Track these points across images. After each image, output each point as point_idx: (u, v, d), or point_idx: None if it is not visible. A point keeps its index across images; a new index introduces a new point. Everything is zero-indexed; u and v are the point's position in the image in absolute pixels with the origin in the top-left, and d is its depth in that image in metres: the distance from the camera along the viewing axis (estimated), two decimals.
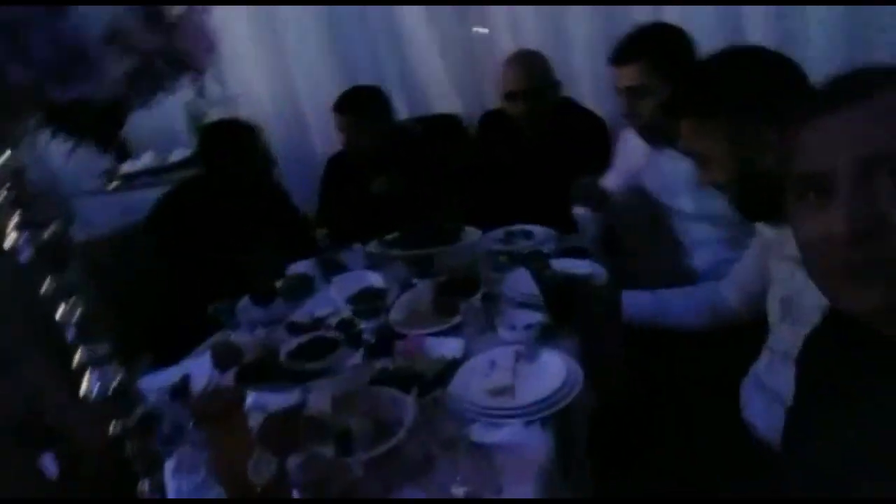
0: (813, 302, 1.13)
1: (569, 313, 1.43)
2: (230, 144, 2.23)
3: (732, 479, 1.10)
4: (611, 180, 2.09)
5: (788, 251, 1.20)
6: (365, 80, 2.56)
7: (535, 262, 1.50)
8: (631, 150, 2.01)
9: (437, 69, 2.78)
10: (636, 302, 1.48)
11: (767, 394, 1.20)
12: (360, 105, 2.36)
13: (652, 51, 1.72)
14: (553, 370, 1.24)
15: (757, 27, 2.22)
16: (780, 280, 1.25)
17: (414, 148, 2.46)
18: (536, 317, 1.47)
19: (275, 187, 2.48)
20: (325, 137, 2.92)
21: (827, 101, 0.68)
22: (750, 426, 1.21)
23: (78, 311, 0.71)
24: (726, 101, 1.13)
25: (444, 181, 2.42)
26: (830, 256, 0.67)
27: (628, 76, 1.76)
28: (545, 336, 1.42)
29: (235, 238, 2.17)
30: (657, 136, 1.82)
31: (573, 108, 2.33)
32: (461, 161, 2.52)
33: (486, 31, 2.73)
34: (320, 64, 2.90)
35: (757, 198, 1.16)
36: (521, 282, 1.68)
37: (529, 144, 2.29)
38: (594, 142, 2.25)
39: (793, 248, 1.17)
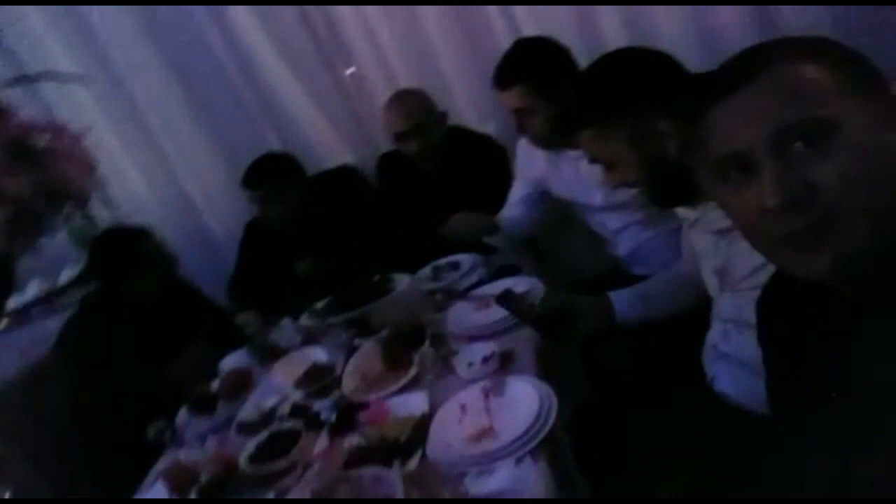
0: (744, 269, 1.18)
1: (567, 334, 1.42)
2: (122, 253, 2.10)
3: (721, 455, 1.11)
4: (517, 190, 2.12)
5: (708, 226, 1.25)
6: (249, 154, 2.47)
7: (508, 300, 1.46)
8: (531, 156, 2.04)
9: (319, 125, 2.73)
10: (623, 303, 1.47)
11: (730, 362, 1.23)
12: (270, 175, 2.34)
13: (530, 73, 1.76)
14: (526, 397, 1.22)
15: (613, 29, 2.31)
16: (707, 253, 1.30)
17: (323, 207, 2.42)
18: (491, 346, 1.45)
19: (182, 285, 2.35)
20: (222, 221, 2.84)
21: (727, 83, 0.70)
22: (722, 396, 1.23)
23: None
24: (617, 104, 1.17)
25: (357, 234, 2.37)
26: (770, 230, 0.68)
27: (512, 99, 1.80)
28: (506, 364, 1.40)
29: (154, 347, 2.03)
30: (551, 144, 1.87)
31: (464, 135, 2.35)
32: (367, 209, 2.48)
33: (353, 69, 2.72)
34: (201, 153, 2.79)
35: (669, 188, 1.20)
36: (464, 315, 1.66)
37: (429, 178, 2.29)
38: (490, 164, 2.28)
39: (712, 223, 1.24)
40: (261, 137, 2.72)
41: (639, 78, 1.19)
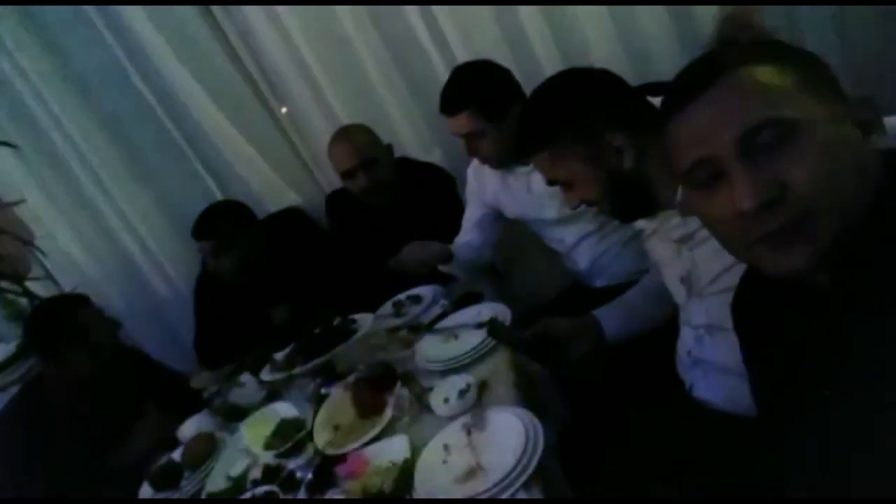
0: (709, 274, 1.19)
1: (559, 359, 1.42)
2: (57, 324, 1.98)
3: (710, 460, 1.10)
4: (470, 216, 2.11)
5: (668, 235, 1.26)
6: (190, 206, 2.38)
7: (497, 330, 1.46)
8: (481, 180, 2.04)
9: (260, 168, 2.65)
10: (611, 320, 1.46)
11: (707, 367, 1.23)
12: (221, 224, 2.26)
13: (477, 97, 1.76)
14: (510, 429, 1.18)
15: (540, 44, 2.34)
16: (669, 262, 1.30)
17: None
18: (465, 378, 1.40)
19: (128, 351, 2.23)
20: (168, 278, 2.73)
21: (687, 91, 0.70)
22: (703, 403, 1.23)
23: None
24: (569, 124, 1.17)
25: (312, 276, 2.31)
26: (746, 232, 0.69)
27: (461, 124, 1.79)
28: (484, 395, 1.36)
29: (105, 423, 1.91)
30: (502, 163, 1.87)
31: (411, 166, 2.33)
32: (319, 250, 2.42)
33: (287, 108, 2.67)
34: (140, 210, 2.69)
35: (630, 201, 1.21)
36: (432, 349, 1.62)
37: (380, 214, 2.25)
38: (440, 193, 2.26)
39: (671, 231, 1.24)
40: (200, 187, 2.63)
41: (587, 96, 1.19)
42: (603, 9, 2.21)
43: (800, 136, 0.64)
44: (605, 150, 1.15)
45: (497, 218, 2.08)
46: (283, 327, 2.16)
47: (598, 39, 2.24)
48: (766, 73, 0.66)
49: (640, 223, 1.35)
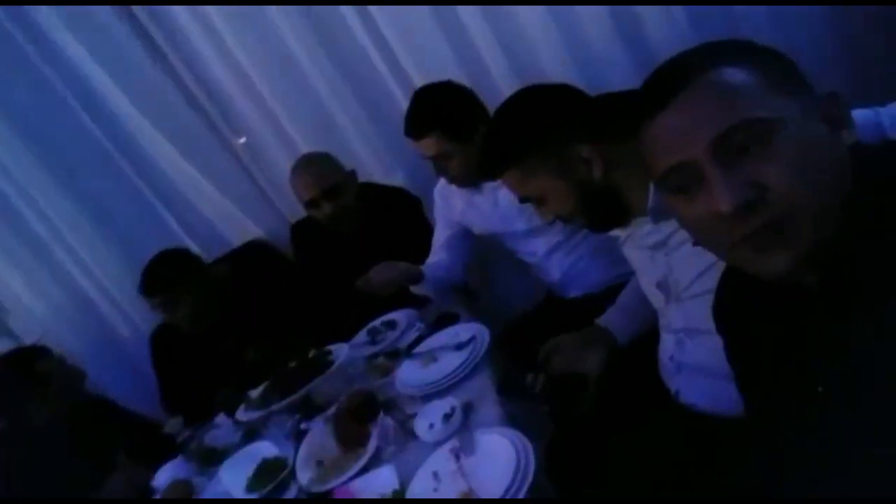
0: (686, 278, 1.19)
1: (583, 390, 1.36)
2: (18, 378, 1.89)
3: (703, 463, 1.10)
4: (439, 235, 2.10)
5: (641, 241, 1.27)
6: (151, 246, 2.30)
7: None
8: (448, 199, 2.04)
9: (219, 203, 2.60)
10: (618, 325, 1.44)
11: (691, 371, 1.23)
12: (167, 278, 2.12)
13: (442, 119, 1.76)
14: (499, 450, 1.16)
15: (490, 59, 2.34)
16: (645, 268, 1.31)
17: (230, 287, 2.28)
18: (449, 402, 1.38)
19: (94, 400, 2.14)
20: (133, 322, 2.65)
21: (659, 97, 0.71)
22: (690, 408, 1.23)
23: None
24: (537, 139, 1.17)
25: (282, 310, 2.26)
26: (727, 234, 0.69)
27: (428, 147, 1.80)
28: (469, 417, 1.35)
29: (76, 477, 1.82)
30: (470, 182, 1.88)
31: (376, 191, 2.31)
32: (287, 282, 2.37)
33: (244, 139, 2.63)
34: (98, 254, 2.60)
35: (603, 212, 1.22)
36: (413, 374, 1.59)
37: (348, 241, 2.22)
38: (407, 216, 2.24)
39: (644, 238, 1.25)
40: (158, 225, 2.56)
41: (551, 111, 1.20)
42: (549, 20, 2.21)
43: (774, 137, 0.65)
44: (573, 163, 1.16)
45: (466, 236, 2.08)
46: (256, 365, 2.09)
47: (547, 50, 2.25)
48: (736, 75, 0.67)
49: (615, 231, 1.36)
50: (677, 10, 2.14)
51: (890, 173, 0.67)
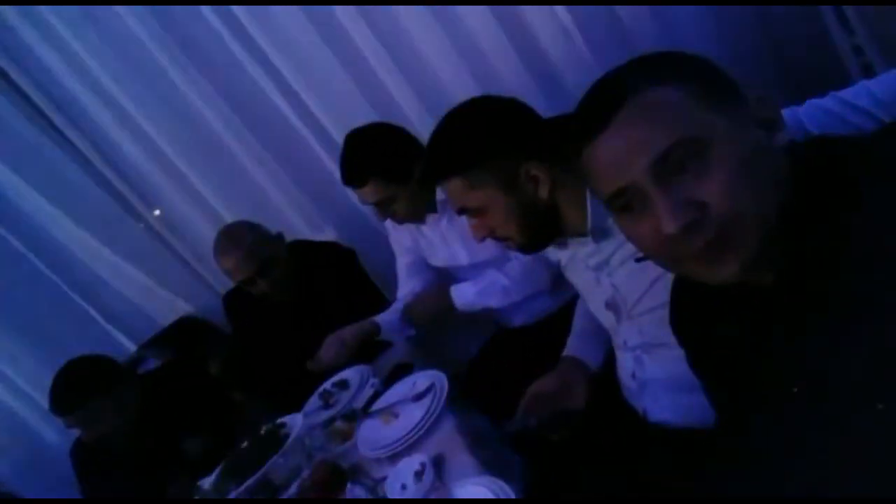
0: (634, 295, 1.20)
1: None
2: None
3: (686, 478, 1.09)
4: (401, 266, 2.06)
5: (584, 262, 1.27)
6: (66, 341, 2.14)
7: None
8: (398, 230, 2.01)
9: (141, 283, 2.46)
10: (590, 353, 1.41)
11: (655, 387, 1.23)
12: (80, 394, 1.85)
13: (378, 164, 1.72)
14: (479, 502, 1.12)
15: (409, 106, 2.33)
16: (590, 290, 1.32)
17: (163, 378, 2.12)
18: (418, 458, 1.32)
19: None
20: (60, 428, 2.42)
21: (595, 121, 0.71)
22: (661, 425, 1.23)
23: None
24: (484, 147, 1.14)
25: (219, 388, 2.14)
26: (674, 252, 0.70)
27: (369, 195, 1.76)
28: (442, 471, 1.29)
29: None
30: (416, 218, 1.86)
31: (307, 249, 2.22)
32: (225, 357, 2.25)
33: (159, 211, 2.51)
34: (13, 358, 2.40)
35: (541, 233, 1.21)
36: (375, 435, 1.52)
37: (286, 303, 2.13)
38: (342, 270, 2.17)
39: (587, 259, 1.26)
40: (81, 321, 2.40)
41: (506, 122, 1.17)
42: (450, 46, 2.21)
43: (709, 153, 0.66)
44: (520, 180, 1.14)
45: (425, 262, 2.05)
46: (201, 454, 1.94)
47: (453, 82, 2.25)
48: (669, 93, 0.68)
49: (555, 254, 1.36)
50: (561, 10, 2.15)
51: (822, 165, 0.70)
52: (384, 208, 1.80)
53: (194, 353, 2.31)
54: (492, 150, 1.14)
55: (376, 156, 1.74)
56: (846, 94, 0.94)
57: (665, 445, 1.19)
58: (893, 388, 0.60)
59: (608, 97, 0.71)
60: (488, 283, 1.80)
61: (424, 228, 1.91)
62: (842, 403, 0.65)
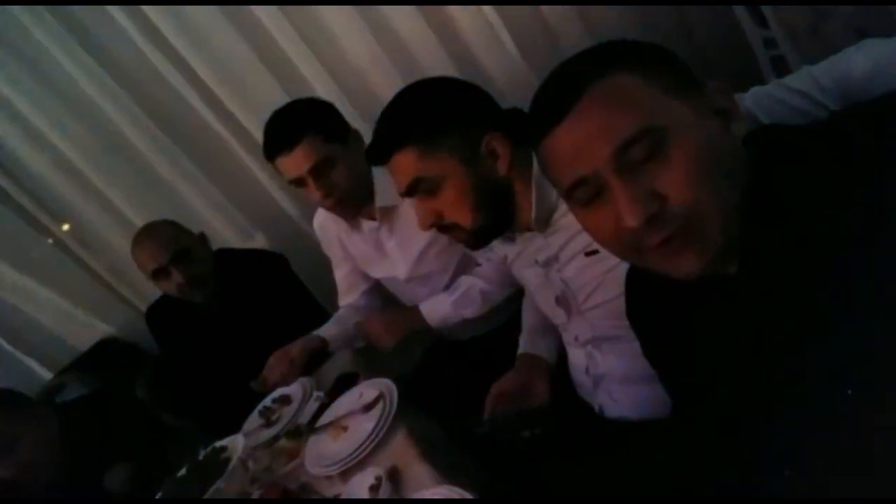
0: (584, 290, 1.19)
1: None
2: None
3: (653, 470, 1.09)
4: (339, 276, 1.94)
5: (531, 258, 1.26)
6: None
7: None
8: (329, 236, 1.89)
9: (56, 306, 2.28)
10: (543, 348, 1.38)
11: (609, 381, 1.23)
12: None
13: (312, 123, 1.54)
14: None
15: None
16: (539, 286, 1.30)
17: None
18: (372, 472, 1.27)
19: None
20: None
21: (552, 114, 0.69)
22: (619, 420, 1.23)
23: None
24: (444, 116, 1.10)
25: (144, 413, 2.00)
26: (634, 245, 0.69)
27: (300, 159, 1.52)
28: (399, 483, 1.24)
29: None
30: (354, 205, 1.68)
31: (234, 256, 2.12)
32: (151, 379, 2.11)
33: (68, 226, 2.33)
34: None
35: (495, 214, 1.15)
36: (323, 451, 1.45)
37: (213, 313, 2.01)
38: (273, 277, 2.08)
39: (536, 254, 1.24)
40: None
41: (463, 92, 1.13)
42: (377, 46, 2.16)
43: (670, 143, 0.65)
44: (482, 152, 1.09)
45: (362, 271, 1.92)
46: (129, 487, 1.81)
47: (382, 83, 2.20)
48: (628, 82, 0.67)
49: (502, 249, 1.34)
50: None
51: (776, 154, 0.70)
52: (321, 176, 1.56)
53: (118, 377, 2.15)
54: (454, 117, 1.09)
55: (309, 114, 1.58)
56: (790, 80, 0.96)
57: (623, 440, 1.19)
58: (863, 373, 0.61)
59: (567, 86, 0.69)
60: (464, 290, 1.65)
61: (356, 236, 1.79)
62: (810, 390, 0.66)
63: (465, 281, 1.67)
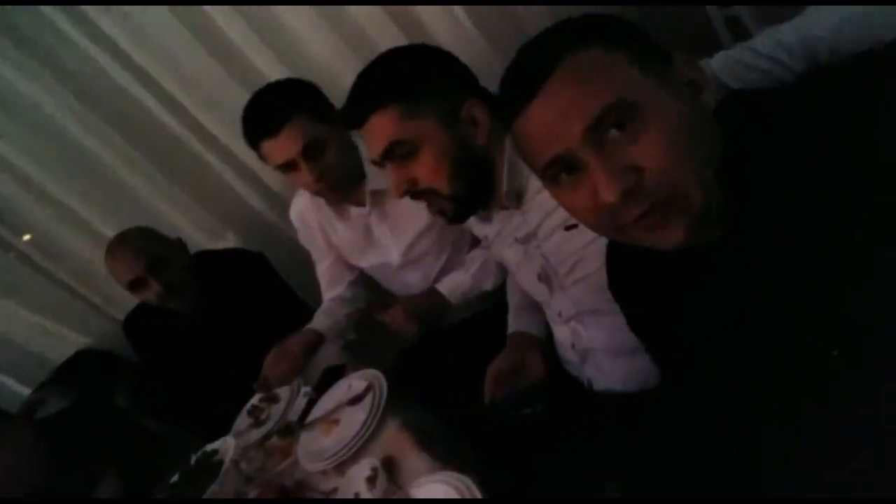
0: (565, 265, 1.19)
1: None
2: None
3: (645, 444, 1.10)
4: (321, 269, 1.88)
5: (511, 235, 1.25)
6: None
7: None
8: (308, 221, 1.81)
9: (25, 320, 2.22)
10: (532, 325, 1.37)
11: (596, 355, 1.25)
12: None
13: (301, 103, 1.46)
14: (441, 497, 1.09)
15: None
16: (520, 264, 1.30)
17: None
18: (367, 463, 1.27)
19: None
20: None
21: (522, 92, 0.69)
22: (607, 392, 1.24)
23: None
24: (424, 77, 1.07)
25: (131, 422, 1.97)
26: (614, 220, 0.69)
27: (290, 141, 1.43)
28: (395, 473, 1.25)
29: None
30: (346, 186, 1.60)
31: (212, 258, 2.08)
32: (134, 388, 2.08)
33: (28, 236, 2.27)
34: None
35: (473, 184, 1.14)
36: (316, 447, 1.44)
37: (195, 317, 1.98)
38: (252, 276, 2.04)
39: (515, 231, 1.24)
40: None
41: (444, 56, 1.11)
42: (342, 44, 2.07)
43: (643, 115, 0.65)
44: (462, 117, 1.07)
45: (345, 261, 1.86)
46: (122, 498, 1.78)
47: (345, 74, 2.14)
48: (597, 57, 0.66)
49: (481, 229, 1.33)
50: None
51: (748, 120, 0.71)
52: (313, 158, 1.47)
53: (98, 387, 2.11)
54: (436, 78, 1.07)
55: (295, 92, 1.49)
56: (756, 43, 0.97)
57: (615, 414, 1.20)
58: (847, 334, 0.62)
59: (537, 63, 0.69)
60: (481, 263, 1.58)
61: (340, 224, 1.74)
62: (796, 353, 0.68)
63: (479, 254, 1.62)
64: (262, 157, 1.52)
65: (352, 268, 1.86)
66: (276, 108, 1.44)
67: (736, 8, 1.93)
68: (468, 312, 1.75)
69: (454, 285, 1.61)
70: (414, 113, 1.05)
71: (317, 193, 1.61)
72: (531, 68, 0.69)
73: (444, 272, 1.71)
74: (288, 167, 1.50)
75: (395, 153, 1.09)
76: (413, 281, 1.77)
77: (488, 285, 1.61)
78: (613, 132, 0.65)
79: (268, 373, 1.58)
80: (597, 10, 0.75)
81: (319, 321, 1.74)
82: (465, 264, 1.64)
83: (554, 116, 0.67)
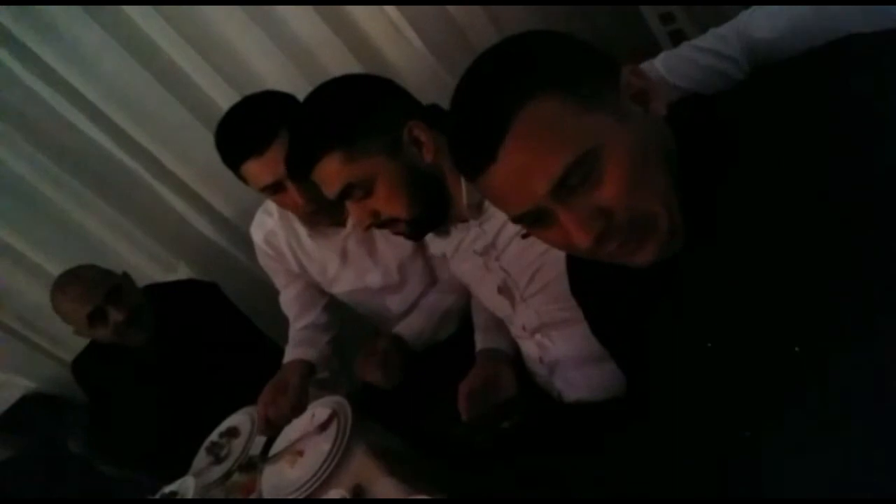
0: (524, 277, 1.18)
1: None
2: None
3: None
4: (291, 291, 1.73)
5: (469, 248, 1.24)
6: None
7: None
8: (277, 245, 1.68)
9: None
10: (501, 342, 1.35)
11: (564, 366, 1.23)
12: None
13: (284, 119, 1.30)
14: None
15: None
16: (480, 279, 1.28)
17: None
18: (336, 494, 1.23)
19: None
20: None
21: (480, 153, 0.68)
22: (578, 403, 1.23)
23: None
24: (367, 115, 1.07)
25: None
26: (590, 254, 0.71)
27: (282, 157, 1.22)
28: (366, 500, 1.21)
29: None
30: (333, 207, 1.36)
31: (162, 290, 2.01)
32: (83, 431, 1.98)
33: None
34: None
35: (430, 203, 1.14)
36: (281, 480, 1.39)
37: (149, 353, 1.90)
38: (207, 306, 1.98)
39: (473, 244, 1.23)
40: None
41: (375, 85, 1.11)
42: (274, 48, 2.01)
43: (602, 160, 0.65)
44: (405, 142, 1.08)
45: (317, 287, 1.73)
46: None
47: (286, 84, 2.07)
48: (549, 108, 0.65)
49: (438, 246, 1.32)
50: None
51: (701, 126, 0.71)
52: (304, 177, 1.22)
53: (47, 434, 2.01)
54: (370, 113, 1.07)
55: (278, 107, 1.37)
56: (697, 41, 0.99)
57: (586, 422, 1.19)
58: (808, 331, 0.62)
59: (487, 125, 0.67)
60: (444, 311, 1.57)
61: (314, 247, 1.61)
62: (759, 352, 0.68)
63: (429, 304, 1.60)
64: (244, 178, 1.39)
65: (322, 292, 1.74)
66: (262, 123, 1.32)
67: (679, 20, 1.98)
68: (432, 340, 1.64)
69: (415, 331, 1.55)
70: (359, 153, 1.05)
71: (304, 216, 1.50)
72: (483, 130, 0.67)
73: (422, 296, 1.64)
74: (275, 188, 1.37)
75: (352, 195, 1.10)
76: (393, 304, 1.68)
77: (444, 335, 1.58)
78: (577, 183, 0.66)
79: (270, 415, 1.43)
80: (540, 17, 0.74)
81: (304, 351, 1.60)
82: (424, 312, 1.59)
83: (516, 179, 0.67)
